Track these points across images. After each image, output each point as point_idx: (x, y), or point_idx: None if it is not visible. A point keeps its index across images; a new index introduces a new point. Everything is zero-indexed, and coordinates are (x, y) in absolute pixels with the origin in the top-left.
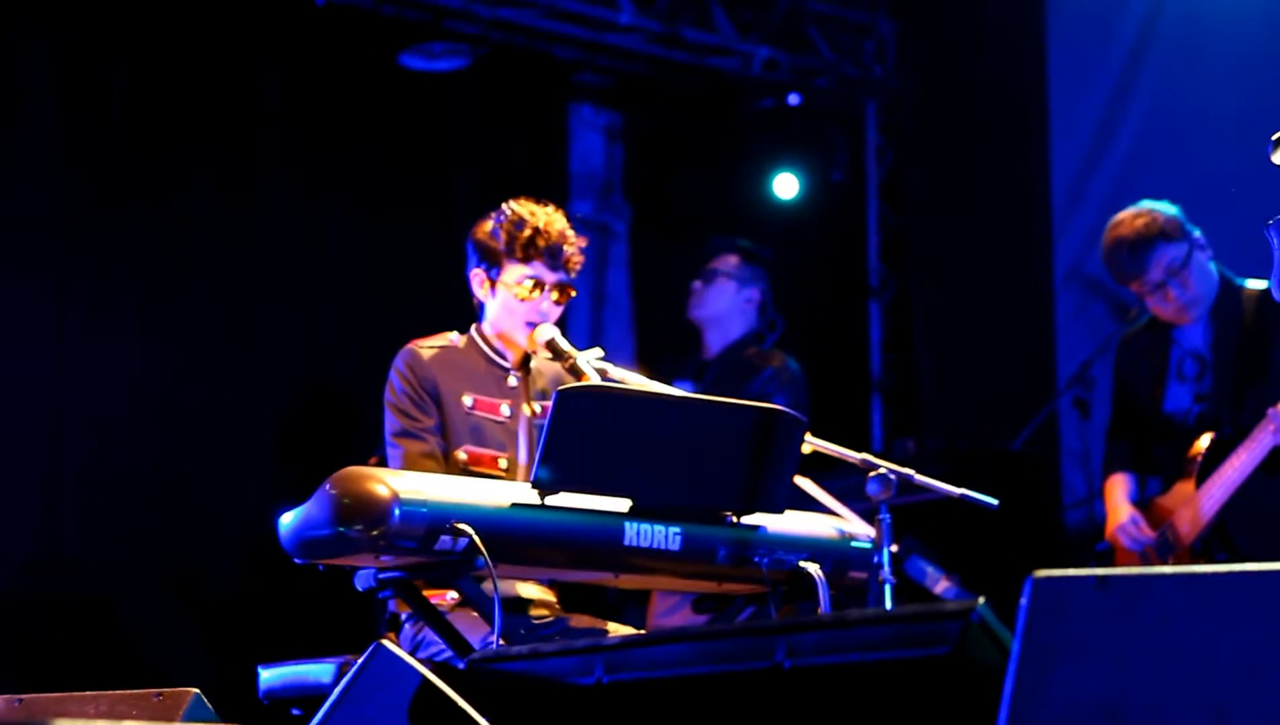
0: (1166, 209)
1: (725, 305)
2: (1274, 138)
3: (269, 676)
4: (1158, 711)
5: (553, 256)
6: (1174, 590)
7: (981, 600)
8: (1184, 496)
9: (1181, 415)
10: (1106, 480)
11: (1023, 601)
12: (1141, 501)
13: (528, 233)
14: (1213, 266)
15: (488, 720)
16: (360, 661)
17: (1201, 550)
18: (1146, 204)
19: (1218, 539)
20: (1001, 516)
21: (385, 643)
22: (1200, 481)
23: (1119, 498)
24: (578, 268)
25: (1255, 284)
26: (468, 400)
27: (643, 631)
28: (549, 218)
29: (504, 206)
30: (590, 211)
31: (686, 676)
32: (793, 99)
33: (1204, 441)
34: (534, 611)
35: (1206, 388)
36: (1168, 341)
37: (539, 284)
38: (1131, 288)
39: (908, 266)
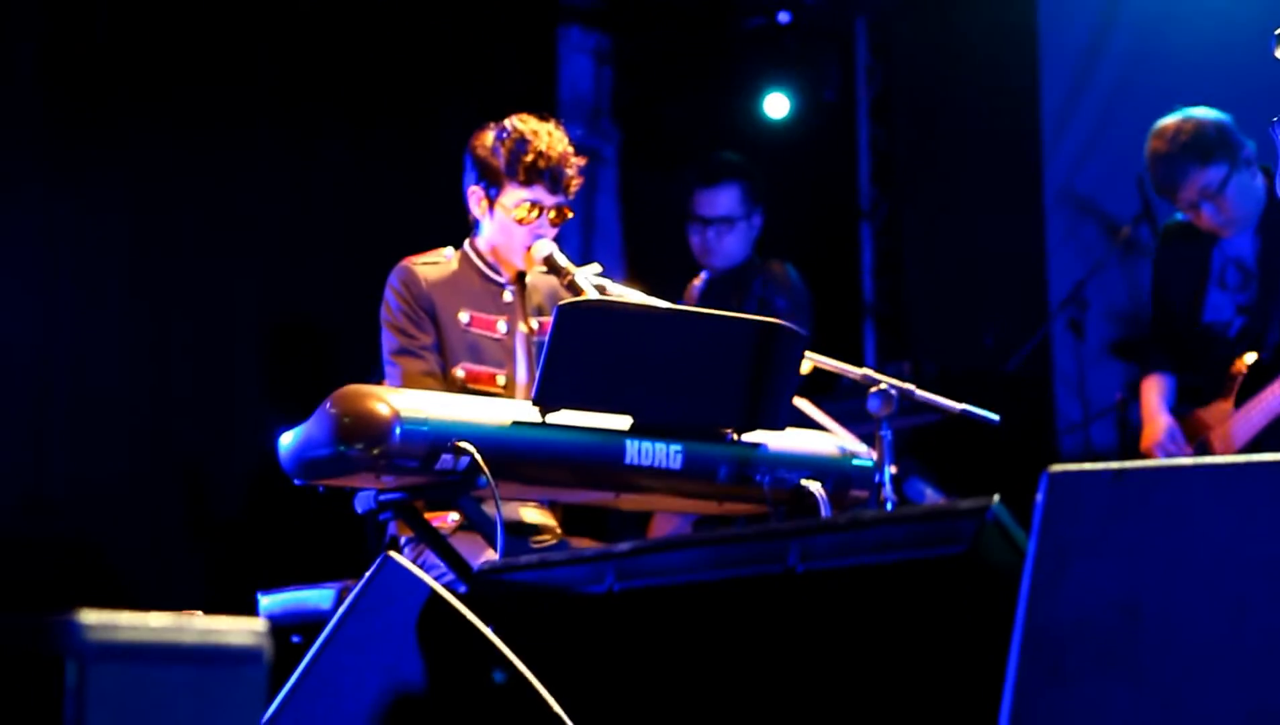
0: (1213, 120)
1: (739, 247)
2: (1276, 33)
3: (268, 603)
4: (1176, 606)
5: (554, 180)
6: (1191, 482)
7: (996, 498)
8: (1222, 414)
9: (1222, 327)
10: (1143, 381)
11: (1038, 498)
12: (1178, 411)
13: (530, 156)
14: (1259, 180)
15: (497, 632)
16: (368, 575)
17: None
18: (1192, 113)
19: None
20: (996, 440)
21: (393, 554)
22: (1239, 402)
23: (1155, 404)
24: (577, 189)
25: None
26: (464, 317)
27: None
28: (551, 139)
29: (506, 122)
30: (579, 136)
31: (698, 583)
32: (783, 17)
33: (1248, 359)
34: (535, 536)
35: (1249, 299)
36: (1209, 245)
37: (538, 207)
38: (1166, 200)
39: (899, 187)
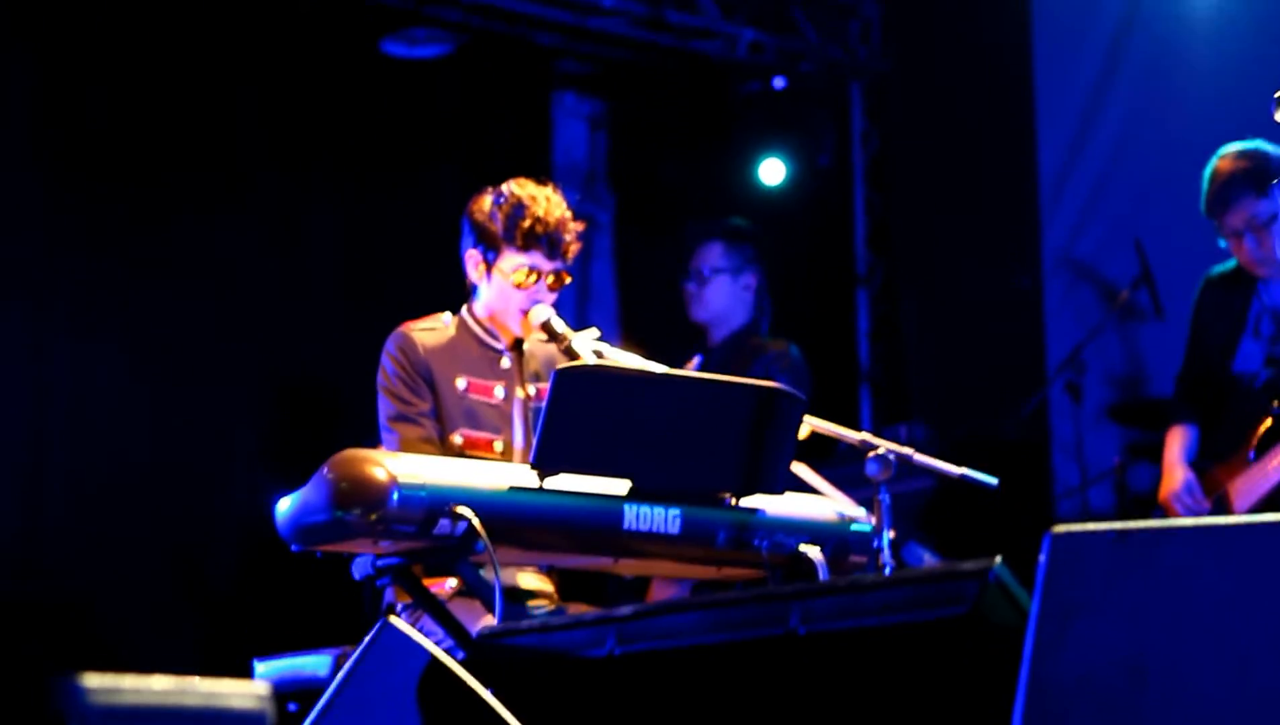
0: (1274, 155)
1: (724, 301)
2: (1276, 96)
3: (264, 670)
4: (1180, 665)
5: (551, 245)
6: (1193, 542)
7: (998, 559)
8: (1241, 468)
9: (1249, 378)
10: (1168, 431)
11: (1041, 558)
12: (1198, 465)
13: (528, 222)
14: None
15: (498, 697)
16: (367, 639)
17: None
18: (1260, 145)
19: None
20: (994, 505)
21: (392, 619)
22: (1260, 454)
23: (1175, 456)
24: (575, 254)
25: None
26: (461, 383)
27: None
28: (549, 204)
29: (503, 187)
30: (574, 202)
31: (700, 646)
32: (777, 82)
33: (1275, 413)
34: (532, 601)
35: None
36: (1250, 293)
37: (536, 272)
38: (1213, 223)
39: (894, 252)
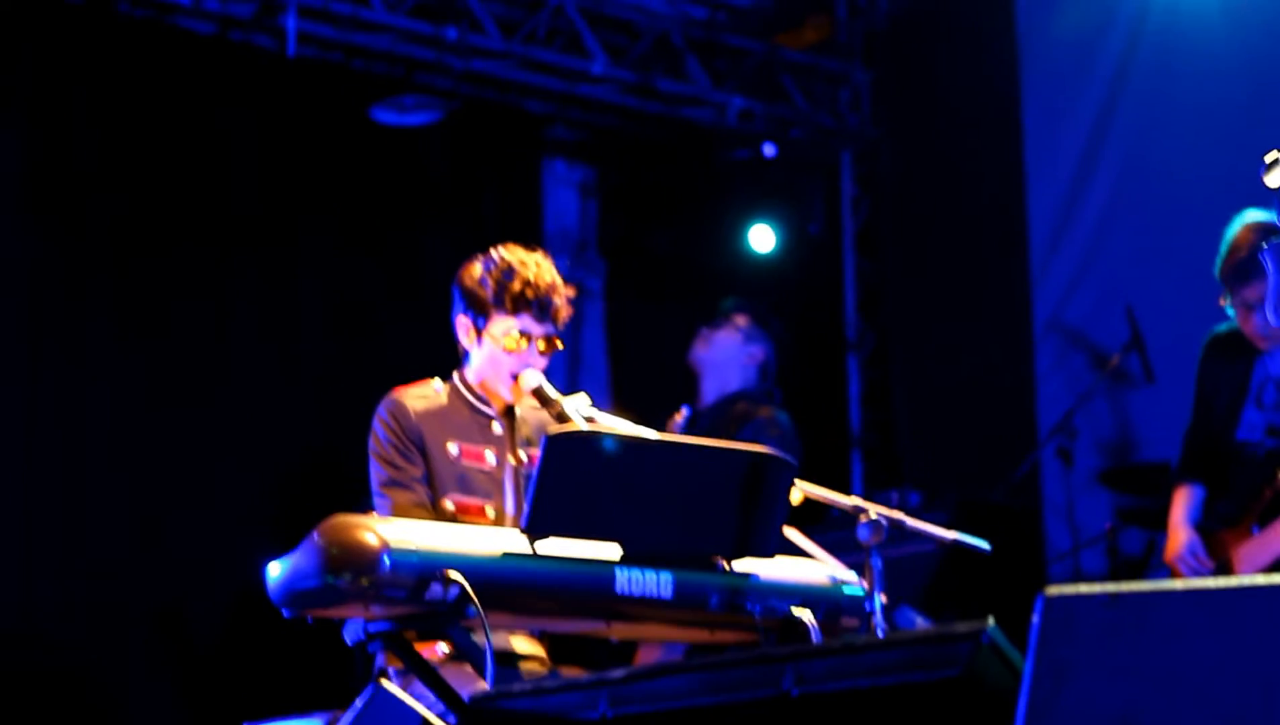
0: None
1: (728, 353)
2: (1267, 160)
3: None
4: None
5: (541, 309)
6: (1185, 605)
7: (991, 621)
8: (1245, 537)
9: (1254, 447)
10: (1175, 490)
11: (1034, 619)
12: (1203, 528)
13: (517, 286)
14: None
15: None
16: (358, 702)
17: None
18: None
19: None
20: (986, 569)
21: (384, 682)
22: (1264, 525)
23: (1180, 516)
24: (566, 319)
25: None
26: (453, 449)
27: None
28: (539, 269)
29: (492, 253)
30: (564, 269)
31: (693, 708)
32: (768, 150)
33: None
34: (524, 665)
35: None
36: (1252, 360)
37: (526, 336)
38: (1226, 288)
39: (886, 319)
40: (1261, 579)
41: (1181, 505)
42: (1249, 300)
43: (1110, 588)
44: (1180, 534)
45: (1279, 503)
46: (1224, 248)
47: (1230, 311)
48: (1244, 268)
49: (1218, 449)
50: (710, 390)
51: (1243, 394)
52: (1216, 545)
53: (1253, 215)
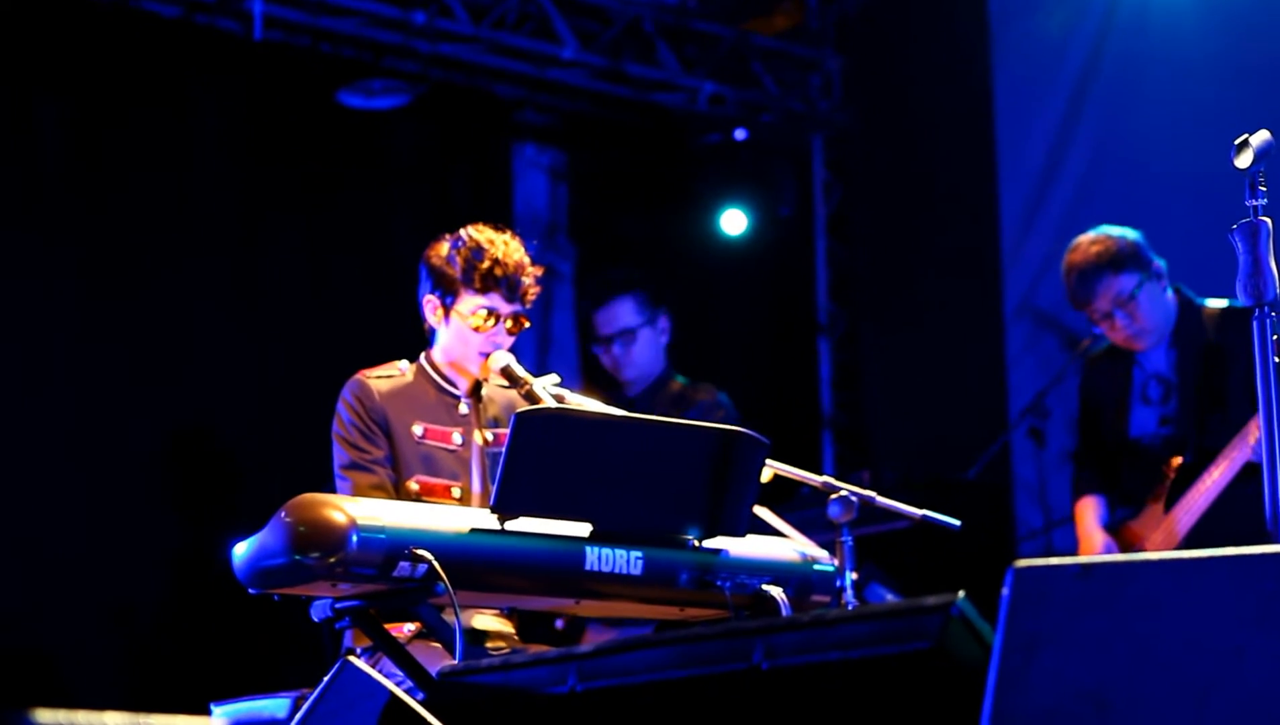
0: (1125, 236)
1: (650, 353)
2: (1235, 142)
3: (221, 712)
4: (1142, 696)
5: (510, 288)
6: (1157, 576)
7: (961, 594)
8: (1155, 520)
9: (1149, 439)
10: (1076, 504)
11: (1004, 591)
12: (1112, 526)
13: (486, 264)
14: (1169, 294)
15: None
16: (326, 679)
17: None
18: (1106, 230)
19: None
20: (957, 547)
21: (352, 659)
22: (1170, 504)
23: (1090, 524)
24: (534, 298)
25: (1215, 303)
26: (418, 429)
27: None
28: (507, 248)
29: (461, 232)
30: (534, 253)
31: (662, 681)
32: (739, 134)
33: (1175, 463)
34: (492, 643)
35: (1172, 410)
36: (1130, 364)
37: (494, 315)
38: (1084, 313)
39: (857, 302)
40: (1230, 550)
41: (1089, 514)
42: (1104, 309)
43: (1081, 559)
44: (1094, 539)
45: (1180, 482)
46: (1063, 278)
47: (1097, 331)
48: (1084, 283)
49: (1113, 454)
50: (637, 386)
51: (1127, 395)
52: (1128, 538)
53: (1079, 239)
